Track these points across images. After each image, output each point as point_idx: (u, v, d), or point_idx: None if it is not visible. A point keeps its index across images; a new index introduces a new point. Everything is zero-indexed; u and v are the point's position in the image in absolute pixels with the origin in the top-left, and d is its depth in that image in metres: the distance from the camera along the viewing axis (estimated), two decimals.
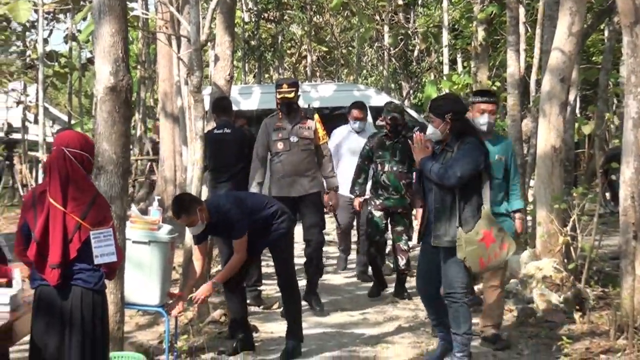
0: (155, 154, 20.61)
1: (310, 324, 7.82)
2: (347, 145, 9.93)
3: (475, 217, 5.92)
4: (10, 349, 5.13)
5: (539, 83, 11.97)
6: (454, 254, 5.94)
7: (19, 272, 5.02)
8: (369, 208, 8.83)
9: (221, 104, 8.83)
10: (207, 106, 8.86)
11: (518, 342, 7.09)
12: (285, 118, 8.07)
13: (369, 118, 10.69)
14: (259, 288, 8.74)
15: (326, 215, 8.69)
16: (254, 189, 8.11)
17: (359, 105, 10.13)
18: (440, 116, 6.04)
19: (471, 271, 6.01)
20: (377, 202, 8.71)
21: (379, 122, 9.14)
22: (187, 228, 6.84)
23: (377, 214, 8.72)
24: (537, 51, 13.37)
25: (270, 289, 9.02)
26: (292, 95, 7.96)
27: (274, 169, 8.15)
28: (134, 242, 6.34)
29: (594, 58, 21.70)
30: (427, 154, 6.07)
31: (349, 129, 9.97)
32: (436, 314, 6.33)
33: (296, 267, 7.15)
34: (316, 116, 8.31)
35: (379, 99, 14.45)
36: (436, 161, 6.01)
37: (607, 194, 15.61)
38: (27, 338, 4.65)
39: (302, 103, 13.25)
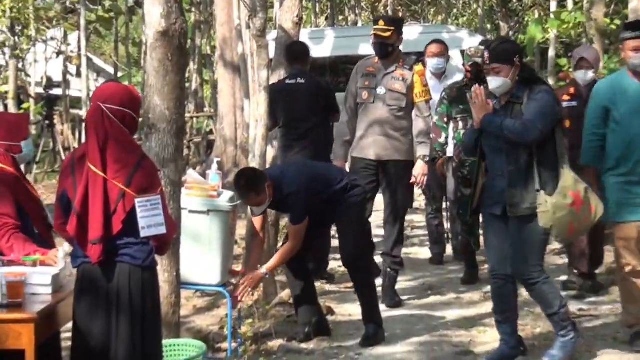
0: None
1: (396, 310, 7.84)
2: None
3: (555, 178, 5.88)
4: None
5: None
6: (532, 223, 5.87)
7: (63, 249, 5.07)
8: (453, 185, 8.71)
9: (294, 50, 8.80)
10: (272, 53, 8.82)
11: None
12: (380, 63, 7.90)
13: (461, 64, 10.43)
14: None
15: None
16: (340, 148, 8.12)
17: (436, 40, 9.87)
18: (508, 62, 5.95)
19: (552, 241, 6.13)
20: (464, 172, 8.39)
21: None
22: (253, 208, 6.84)
23: (467, 191, 8.11)
24: None
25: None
26: (388, 34, 7.74)
27: (356, 124, 8.01)
28: (190, 211, 6.39)
29: None
30: (489, 111, 6.00)
31: (429, 75, 9.16)
32: (507, 304, 6.20)
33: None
34: (418, 67, 8.04)
35: (472, 42, 14.23)
36: (503, 115, 5.98)
37: None
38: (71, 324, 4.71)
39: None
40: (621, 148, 6.41)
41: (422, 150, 7.90)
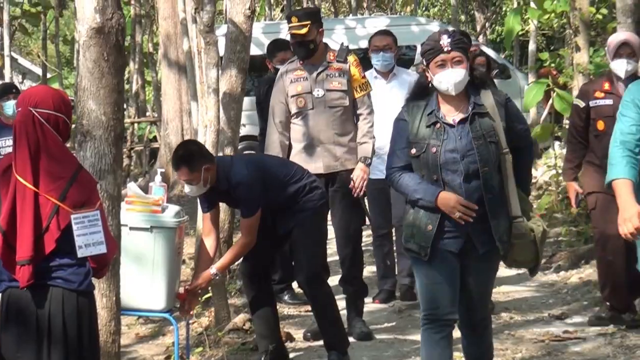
0: None
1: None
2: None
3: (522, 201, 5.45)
4: None
5: None
6: (497, 257, 5.45)
7: None
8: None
9: (279, 46, 8.82)
10: (221, 50, 8.85)
11: None
12: (307, 63, 7.54)
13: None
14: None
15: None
16: None
17: (381, 31, 9.27)
18: (466, 52, 5.32)
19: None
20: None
21: None
22: (185, 185, 6.80)
23: None
24: None
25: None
26: (305, 30, 7.39)
27: (294, 136, 7.64)
28: (131, 228, 6.39)
29: None
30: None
31: (372, 74, 8.66)
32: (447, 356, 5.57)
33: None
34: (351, 58, 7.70)
35: None
36: (460, 135, 5.21)
37: None
38: None
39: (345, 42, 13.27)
40: None
41: (363, 151, 7.56)
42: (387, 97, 8.39)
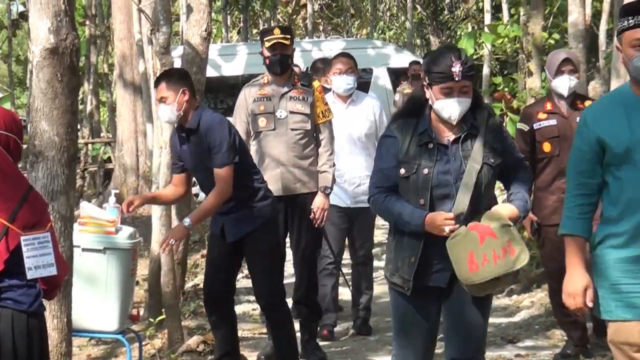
0: None
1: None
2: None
3: None
4: None
5: (610, 34, 11.94)
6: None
7: None
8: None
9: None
10: None
11: None
12: (273, 83, 7.50)
13: (388, 84, 10.37)
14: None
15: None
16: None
17: (343, 54, 8.86)
18: (472, 80, 4.96)
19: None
20: None
21: (402, 90, 8.94)
22: (159, 107, 6.78)
23: None
24: None
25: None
26: (288, 42, 7.41)
27: (253, 156, 7.40)
28: (84, 249, 6.35)
29: None
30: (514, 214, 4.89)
31: (331, 98, 8.23)
32: None
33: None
34: (316, 83, 7.73)
35: (400, 59, 14.46)
36: (454, 156, 4.86)
37: None
38: None
39: (302, 66, 13.28)
40: (628, 203, 4.44)
41: (323, 181, 7.52)
42: (345, 123, 8.17)
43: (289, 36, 7.46)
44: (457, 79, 4.75)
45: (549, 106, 7.18)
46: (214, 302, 6.86)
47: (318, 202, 7.44)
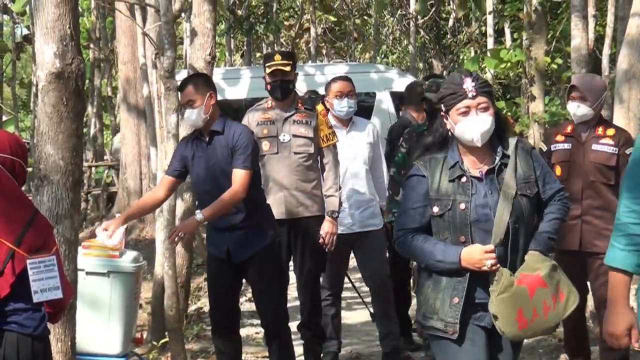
0: None
1: None
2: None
3: None
4: None
5: (613, 59, 11.97)
6: None
7: None
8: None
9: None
10: None
11: None
12: (277, 107, 7.49)
13: (391, 107, 10.29)
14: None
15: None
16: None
17: (342, 77, 8.61)
18: (492, 97, 4.68)
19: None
20: None
21: (405, 113, 8.84)
22: (186, 110, 6.80)
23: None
24: (610, 18, 13.38)
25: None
26: (289, 69, 7.38)
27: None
28: (88, 273, 6.36)
29: None
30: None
31: (332, 122, 8.00)
32: None
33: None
34: (320, 107, 7.76)
35: (403, 82, 14.44)
36: (490, 189, 4.57)
37: None
38: None
39: (304, 89, 13.30)
40: None
41: (330, 205, 7.47)
42: (349, 147, 8.07)
43: (290, 61, 7.42)
44: (470, 95, 4.49)
45: (569, 129, 7.00)
46: (220, 328, 6.86)
47: (327, 227, 7.39)
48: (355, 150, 8.06)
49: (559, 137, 7.00)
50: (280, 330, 6.89)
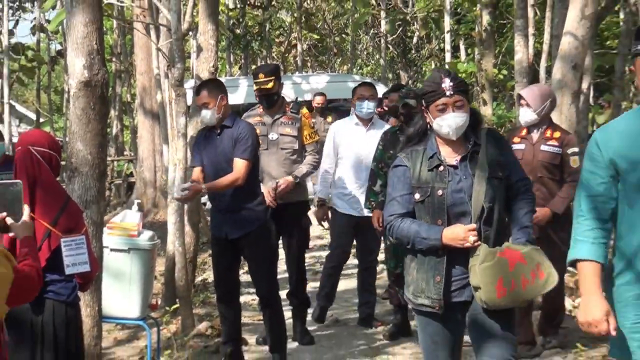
0: None
1: None
2: (348, 144, 8.09)
3: None
4: None
5: (549, 71, 12.00)
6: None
7: None
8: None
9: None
10: (189, 101, 8.86)
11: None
12: (266, 112, 7.54)
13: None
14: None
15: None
16: None
17: (366, 83, 8.57)
18: (467, 94, 4.52)
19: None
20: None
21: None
22: (202, 111, 6.78)
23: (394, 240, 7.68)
24: (547, 36, 13.42)
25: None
26: (270, 85, 7.38)
27: None
28: (112, 250, 6.36)
29: (608, 42, 21.73)
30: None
31: (354, 121, 8.12)
32: None
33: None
34: (303, 111, 7.78)
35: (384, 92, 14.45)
36: (465, 174, 4.36)
37: None
38: None
39: (292, 96, 13.30)
40: None
41: (298, 171, 7.50)
42: (365, 144, 7.94)
43: (272, 77, 7.38)
44: (448, 93, 4.30)
45: (524, 132, 6.95)
46: (223, 298, 6.86)
47: (283, 180, 7.37)
48: (372, 147, 7.84)
49: (516, 139, 6.95)
50: (273, 299, 6.88)
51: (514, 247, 4.29)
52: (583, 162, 3.84)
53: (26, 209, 3.80)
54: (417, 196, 4.34)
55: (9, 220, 3.75)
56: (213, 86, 6.77)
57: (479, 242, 4.20)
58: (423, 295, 4.35)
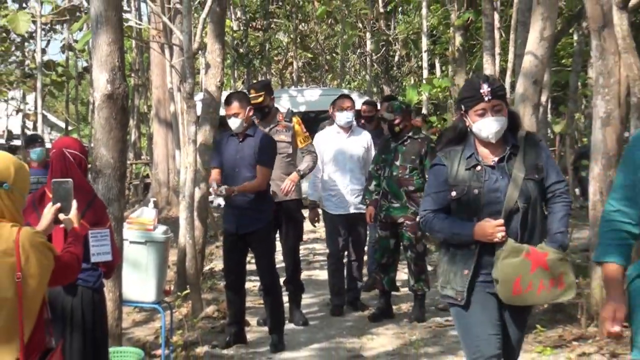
0: None
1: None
2: (332, 150, 8.12)
3: None
4: None
5: (513, 85, 12.02)
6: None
7: None
8: (377, 225, 7.70)
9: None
10: (199, 112, 8.86)
11: None
12: (261, 123, 7.40)
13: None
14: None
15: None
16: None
17: (344, 95, 8.65)
18: (505, 100, 4.14)
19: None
20: (381, 215, 7.55)
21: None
22: (229, 120, 6.76)
23: (382, 233, 7.59)
24: (511, 55, 13.43)
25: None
26: (260, 99, 7.34)
27: None
28: (131, 242, 6.35)
29: (564, 61, 21.81)
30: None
31: (335, 129, 8.19)
32: None
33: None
34: (295, 119, 7.71)
35: (361, 102, 14.43)
36: (501, 174, 4.04)
37: (577, 190, 15.77)
38: None
39: (288, 105, 13.27)
40: None
41: (300, 166, 7.49)
42: (346, 149, 8.05)
43: (261, 92, 7.36)
44: (486, 98, 3.97)
45: None
46: (231, 286, 6.90)
47: (293, 175, 7.35)
48: (352, 151, 8.05)
49: None
50: (275, 288, 6.93)
51: (544, 249, 3.97)
52: (619, 165, 3.53)
53: (74, 204, 3.80)
54: (453, 194, 4.05)
55: (61, 216, 3.76)
56: (243, 98, 6.80)
57: (506, 237, 3.91)
58: (449, 286, 4.09)
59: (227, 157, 6.80)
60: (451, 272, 4.08)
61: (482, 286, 4.02)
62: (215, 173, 6.87)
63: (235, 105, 6.69)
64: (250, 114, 6.72)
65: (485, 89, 3.97)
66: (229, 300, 7.03)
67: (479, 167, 4.02)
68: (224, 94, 13.16)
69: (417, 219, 4.30)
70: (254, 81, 29.32)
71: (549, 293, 3.93)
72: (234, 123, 6.72)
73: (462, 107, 4.09)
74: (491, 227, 3.90)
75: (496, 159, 4.04)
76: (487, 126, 3.99)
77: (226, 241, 6.99)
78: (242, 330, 7.03)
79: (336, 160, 8.05)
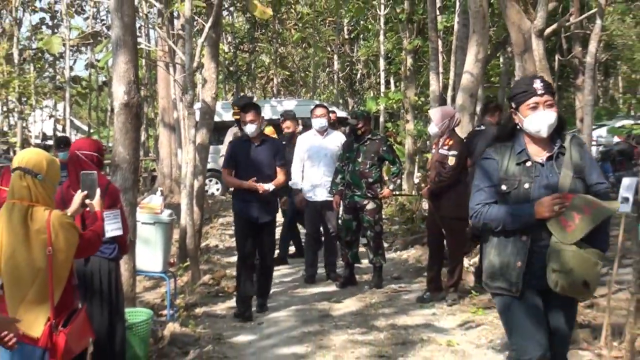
0: None
1: (281, 287, 7.90)
2: (311, 149, 8.05)
3: None
4: None
5: (453, 98, 12.15)
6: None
7: None
8: (341, 210, 7.71)
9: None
10: (197, 118, 8.83)
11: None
12: (241, 131, 7.27)
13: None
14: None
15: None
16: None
17: (320, 105, 8.56)
18: (554, 97, 3.58)
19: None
20: (345, 202, 7.57)
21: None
22: (246, 125, 6.62)
23: (347, 216, 7.58)
24: (452, 74, 13.54)
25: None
26: (237, 117, 7.26)
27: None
28: (142, 223, 6.35)
29: (492, 79, 21.97)
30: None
31: (313, 132, 8.09)
32: None
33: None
34: (268, 128, 7.77)
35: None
36: (551, 172, 3.47)
37: None
38: None
39: (270, 114, 13.23)
40: None
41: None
42: (322, 148, 7.98)
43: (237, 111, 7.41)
44: (539, 92, 3.44)
45: (435, 140, 7.02)
46: (244, 259, 6.68)
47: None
48: (327, 150, 8.01)
49: (434, 146, 7.03)
50: (272, 264, 6.91)
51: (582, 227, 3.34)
52: None
53: (98, 192, 3.81)
54: (503, 187, 3.48)
55: (87, 201, 3.77)
56: (258, 108, 6.69)
57: (564, 209, 3.32)
58: (502, 278, 3.48)
59: (242, 160, 6.64)
60: (503, 264, 3.47)
61: (531, 282, 3.44)
62: (227, 173, 6.71)
63: (252, 113, 6.58)
64: (262, 122, 6.65)
65: (538, 84, 3.46)
66: (239, 271, 6.71)
67: (529, 163, 3.48)
68: (218, 104, 13.20)
69: (470, 213, 3.56)
70: (241, 94, 29.33)
71: (595, 210, 3.33)
72: (250, 128, 6.61)
73: (513, 104, 3.54)
74: (549, 200, 3.33)
75: (545, 156, 3.49)
76: (539, 119, 3.44)
77: (238, 224, 6.75)
78: (249, 298, 6.74)
79: (314, 157, 8.03)
